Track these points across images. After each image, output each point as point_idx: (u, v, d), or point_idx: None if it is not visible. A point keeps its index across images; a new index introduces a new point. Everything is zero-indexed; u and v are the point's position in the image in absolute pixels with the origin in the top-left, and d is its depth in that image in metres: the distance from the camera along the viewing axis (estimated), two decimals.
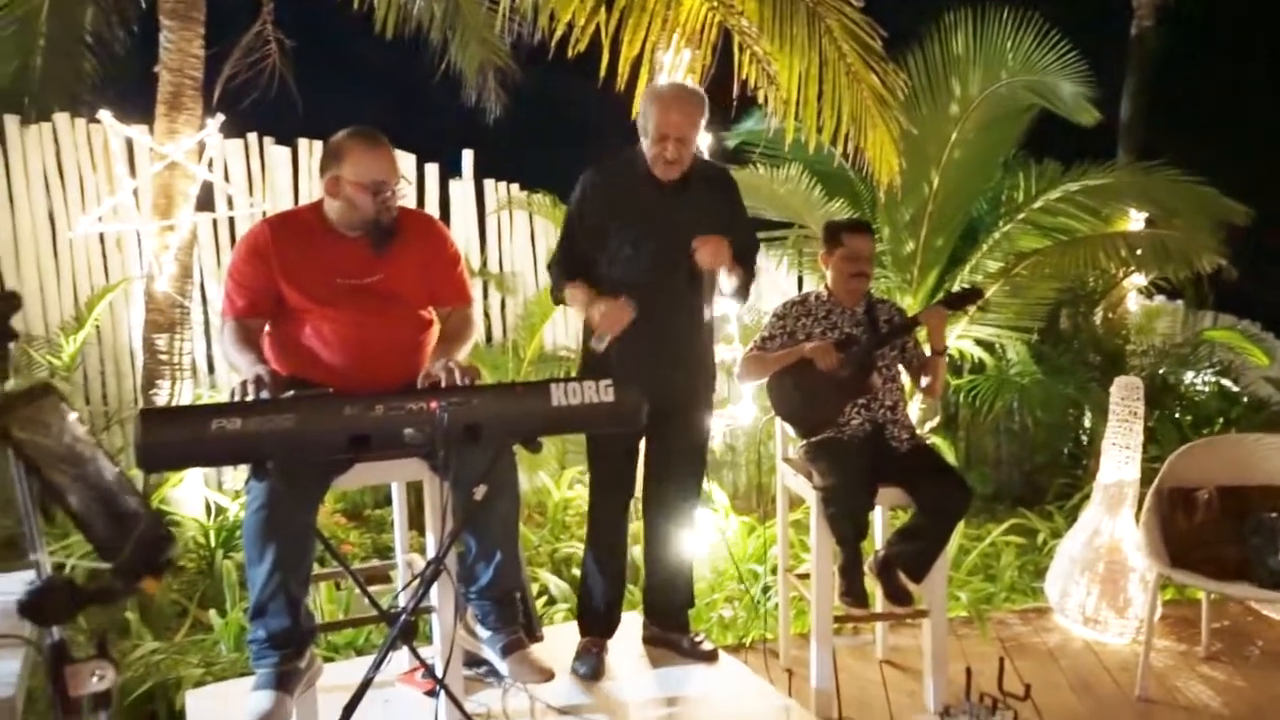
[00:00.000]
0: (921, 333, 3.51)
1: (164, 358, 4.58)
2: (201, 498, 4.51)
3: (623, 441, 3.08)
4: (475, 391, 2.33)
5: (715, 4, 3.59)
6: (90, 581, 1.32)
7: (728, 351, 4.49)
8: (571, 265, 3.01)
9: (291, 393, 2.30)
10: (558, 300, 3.10)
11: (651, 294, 2.91)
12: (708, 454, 3.26)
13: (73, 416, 1.38)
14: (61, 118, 5.00)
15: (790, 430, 3.50)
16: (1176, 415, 5.79)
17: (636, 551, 3.55)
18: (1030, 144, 6.32)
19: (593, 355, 2.99)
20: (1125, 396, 3.89)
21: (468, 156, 5.61)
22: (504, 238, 5.68)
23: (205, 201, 4.88)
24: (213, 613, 3.59)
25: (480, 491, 2.32)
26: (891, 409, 3.31)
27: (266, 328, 2.69)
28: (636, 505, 3.28)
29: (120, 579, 1.28)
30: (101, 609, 3.06)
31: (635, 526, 3.41)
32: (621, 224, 2.95)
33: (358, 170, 2.55)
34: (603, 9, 3.42)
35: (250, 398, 2.29)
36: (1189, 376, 6.24)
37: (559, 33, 3.49)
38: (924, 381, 3.38)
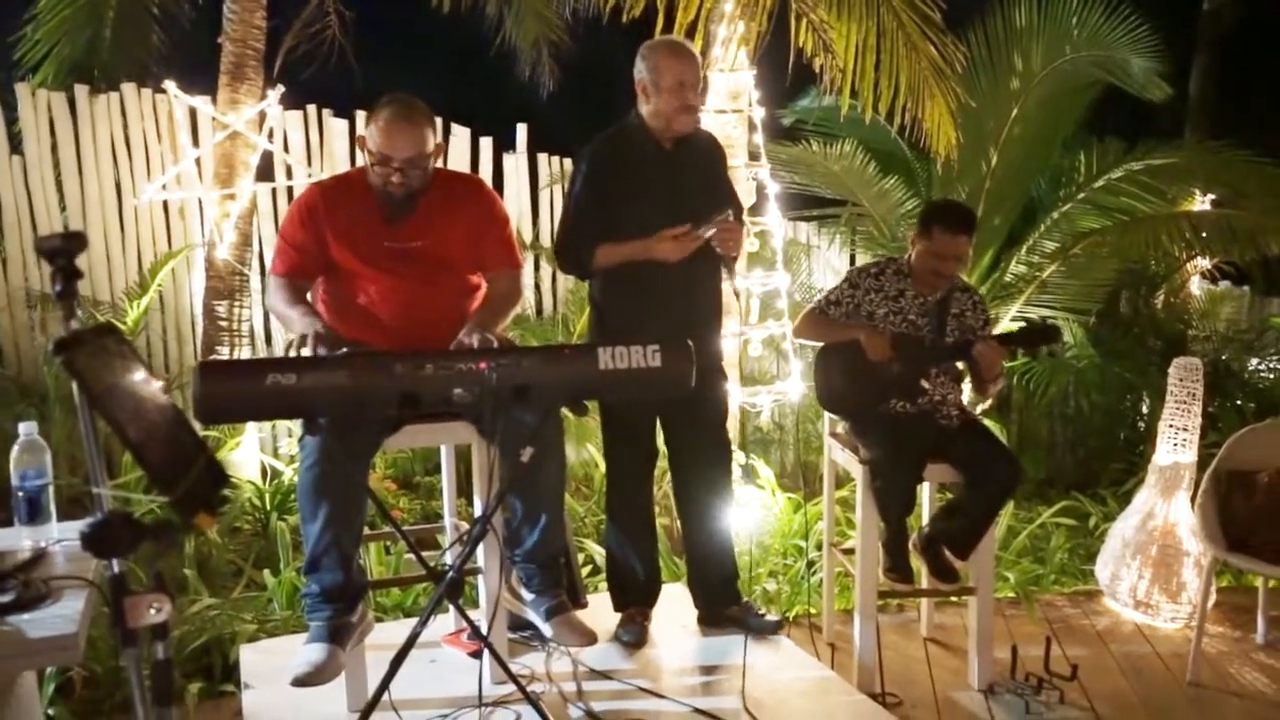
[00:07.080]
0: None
1: (223, 324, 4.70)
2: (257, 461, 4.62)
3: (640, 403, 2.99)
4: (524, 353, 2.35)
5: None
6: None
7: (777, 327, 4.47)
8: (593, 236, 2.96)
9: (344, 350, 2.34)
10: (585, 274, 3.05)
11: None
12: (729, 420, 3.18)
13: (133, 357, 1.42)
14: (129, 88, 5.11)
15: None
16: (1239, 402, 5.64)
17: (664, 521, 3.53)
18: (1093, 121, 6.19)
19: (604, 316, 3.03)
20: (1184, 377, 3.80)
21: (521, 131, 5.65)
22: (556, 212, 5.71)
23: (265, 171, 4.97)
24: (266, 572, 3.68)
25: (527, 454, 2.34)
26: (940, 401, 3.23)
27: (321, 292, 2.74)
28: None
29: (177, 512, 1.33)
30: (160, 555, 3.16)
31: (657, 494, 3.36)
32: (630, 189, 2.94)
33: (375, 139, 2.59)
34: None
35: (307, 353, 2.35)
36: (1253, 363, 6.08)
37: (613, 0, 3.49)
38: (974, 394, 3.31)
